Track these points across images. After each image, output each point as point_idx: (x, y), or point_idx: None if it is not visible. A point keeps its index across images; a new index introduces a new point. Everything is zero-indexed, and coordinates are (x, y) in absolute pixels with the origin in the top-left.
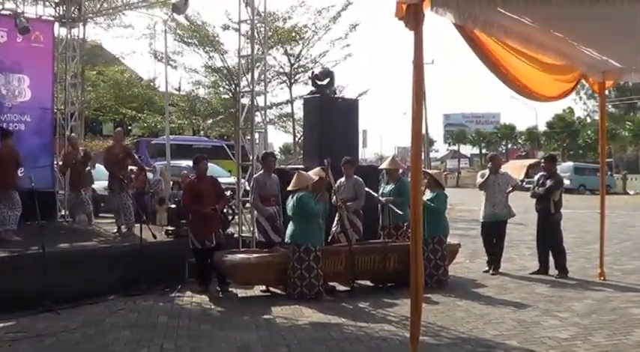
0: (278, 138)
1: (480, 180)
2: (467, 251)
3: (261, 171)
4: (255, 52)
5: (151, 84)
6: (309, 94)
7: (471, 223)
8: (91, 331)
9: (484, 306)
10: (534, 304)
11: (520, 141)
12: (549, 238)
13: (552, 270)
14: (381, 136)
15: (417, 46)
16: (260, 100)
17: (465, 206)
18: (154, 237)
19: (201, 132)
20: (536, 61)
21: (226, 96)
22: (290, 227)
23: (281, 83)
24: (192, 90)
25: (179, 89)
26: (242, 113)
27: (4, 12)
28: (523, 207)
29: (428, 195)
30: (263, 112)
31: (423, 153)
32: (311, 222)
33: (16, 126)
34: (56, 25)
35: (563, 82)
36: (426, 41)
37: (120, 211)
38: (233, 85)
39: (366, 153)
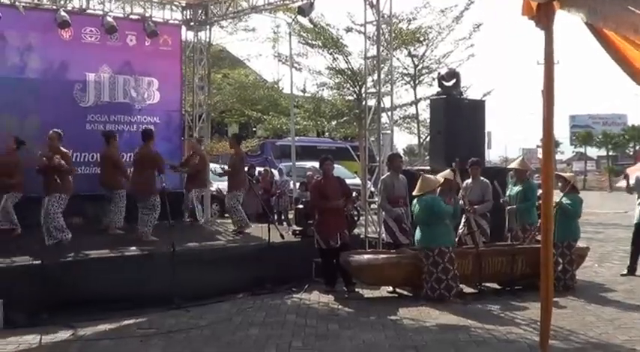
0: (401, 140)
1: (632, 182)
2: (595, 255)
3: (389, 173)
4: (380, 53)
5: (276, 86)
6: (435, 95)
7: (597, 227)
8: (220, 328)
9: (614, 311)
10: None
11: None
12: None
13: None
14: (506, 138)
15: (547, 46)
16: (386, 101)
17: (592, 209)
18: (282, 237)
19: (326, 133)
20: None
21: (350, 97)
22: (419, 231)
23: (405, 84)
24: (317, 92)
25: (304, 91)
26: (368, 114)
27: (132, 17)
28: None
29: (563, 199)
30: (389, 113)
31: None
32: (441, 224)
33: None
34: (183, 28)
35: None
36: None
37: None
38: (357, 87)
39: (491, 155)
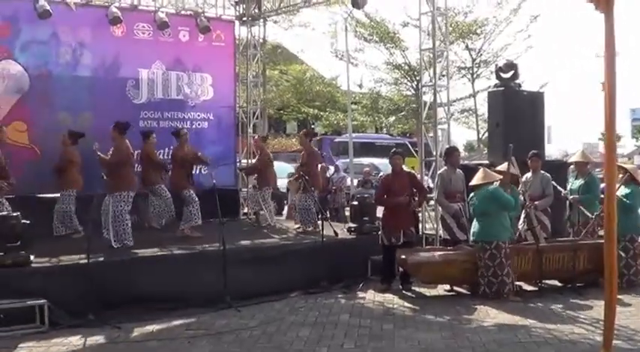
0: (461, 136)
1: None
2: None
3: (446, 167)
4: (436, 45)
5: (333, 82)
6: (493, 87)
7: None
8: (271, 329)
9: None
10: None
11: None
12: None
13: None
14: (566, 132)
15: (608, 30)
16: (443, 95)
17: None
18: (336, 234)
19: (384, 129)
20: None
21: (408, 92)
22: (477, 224)
23: (462, 77)
24: (374, 88)
25: (361, 86)
26: (424, 108)
27: (184, 12)
28: None
29: (622, 190)
30: (446, 107)
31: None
32: (500, 216)
33: (199, 125)
34: (236, 24)
35: None
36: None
37: (301, 211)
38: (415, 82)
39: (551, 150)
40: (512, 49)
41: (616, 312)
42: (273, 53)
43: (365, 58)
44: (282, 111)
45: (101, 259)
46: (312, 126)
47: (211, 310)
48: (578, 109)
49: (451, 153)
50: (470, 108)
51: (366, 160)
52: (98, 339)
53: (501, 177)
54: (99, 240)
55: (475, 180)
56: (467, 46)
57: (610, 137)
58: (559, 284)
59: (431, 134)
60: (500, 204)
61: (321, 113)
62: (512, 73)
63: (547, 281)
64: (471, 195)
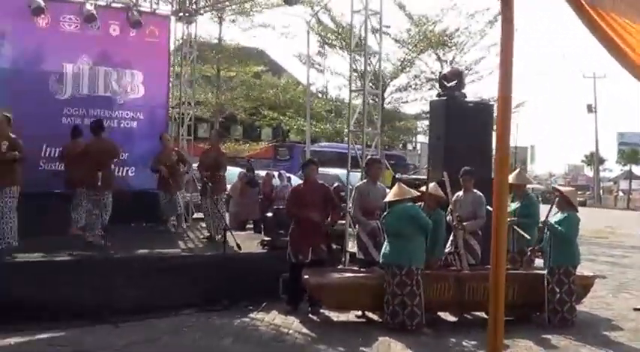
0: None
1: None
2: (613, 282)
3: (365, 180)
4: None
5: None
6: (436, 97)
7: (628, 250)
8: (137, 350)
9: None
10: None
11: None
12: None
13: None
14: (552, 153)
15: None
16: (407, 107)
17: (628, 230)
18: (238, 247)
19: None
20: None
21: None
22: (388, 244)
23: (430, 89)
24: (339, 95)
25: (325, 94)
26: (352, 115)
27: (115, 5)
28: None
29: (558, 216)
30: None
31: (592, 172)
32: (415, 239)
33: (127, 124)
34: (173, 20)
35: None
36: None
37: (207, 217)
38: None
39: (536, 170)
40: (486, 63)
41: None
42: (230, 55)
43: (329, 63)
44: (254, 117)
45: None
46: (289, 133)
47: (89, 324)
48: (562, 130)
49: (371, 164)
50: None
51: (331, 170)
52: None
53: (418, 193)
54: None
55: (389, 196)
56: (438, 57)
57: (502, 147)
58: (486, 316)
59: (411, 147)
60: (416, 224)
61: (281, 117)
62: (456, 81)
63: (475, 313)
64: (385, 213)
